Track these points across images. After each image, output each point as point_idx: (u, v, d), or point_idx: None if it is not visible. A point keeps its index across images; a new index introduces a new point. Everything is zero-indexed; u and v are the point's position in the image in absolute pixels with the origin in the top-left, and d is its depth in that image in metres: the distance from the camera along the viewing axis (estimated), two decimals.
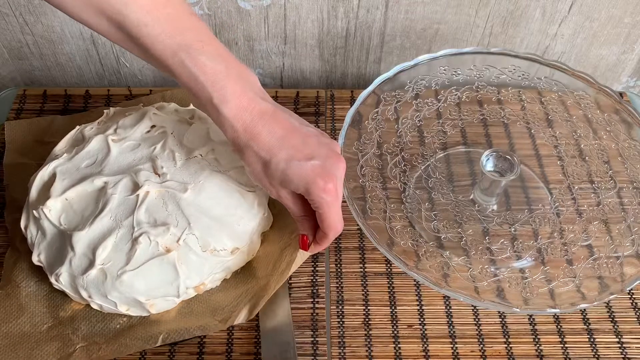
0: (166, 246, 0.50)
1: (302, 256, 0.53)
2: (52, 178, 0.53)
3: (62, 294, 0.53)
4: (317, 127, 0.68)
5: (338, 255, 0.58)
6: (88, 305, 0.52)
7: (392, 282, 0.56)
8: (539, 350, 0.52)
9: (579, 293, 0.51)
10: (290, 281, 0.56)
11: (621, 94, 0.70)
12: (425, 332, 0.53)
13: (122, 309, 0.51)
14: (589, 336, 0.53)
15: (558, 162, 0.63)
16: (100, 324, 0.52)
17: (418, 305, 0.55)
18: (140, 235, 0.49)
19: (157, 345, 0.50)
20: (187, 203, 0.51)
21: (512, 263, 0.55)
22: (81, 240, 0.49)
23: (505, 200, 0.61)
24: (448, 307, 0.55)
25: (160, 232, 0.49)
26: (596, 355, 0.52)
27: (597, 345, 0.52)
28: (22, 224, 0.53)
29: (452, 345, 0.52)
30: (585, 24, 0.70)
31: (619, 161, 0.61)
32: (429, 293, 0.55)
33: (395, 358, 0.51)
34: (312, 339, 0.52)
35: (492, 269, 0.54)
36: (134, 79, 0.78)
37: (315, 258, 0.57)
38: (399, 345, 0.52)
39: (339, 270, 0.57)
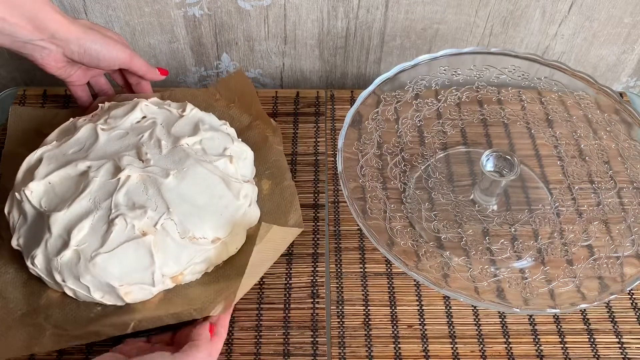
0: (143, 230, 0.49)
1: (275, 254, 0.53)
2: (38, 163, 0.53)
3: (40, 281, 0.52)
4: (317, 127, 0.68)
5: (338, 256, 0.58)
6: (64, 293, 0.51)
7: (392, 282, 0.56)
8: (539, 351, 0.52)
9: (579, 293, 0.51)
10: (290, 281, 0.56)
11: (621, 94, 0.70)
12: (425, 332, 0.53)
13: (96, 295, 0.50)
14: (589, 336, 0.53)
15: (558, 162, 0.63)
16: (74, 312, 0.51)
17: (418, 305, 0.55)
18: (117, 217, 0.49)
19: (127, 332, 0.48)
20: (168, 189, 0.51)
21: (512, 263, 0.55)
22: (58, 221, 0.49)
23: (505, 200, 0.61)
24: (448, 307, 0.55)
25: (138, 214, 0.49)
26: (596, 355, 0.52)
27: (597, 345, 0.52)
28: (6, 209, 0.53)
29: (452, 346, 0.52)
30: (585, 24, 0.70)
31: (619, 161, 0.61)
32: (429, 293, 0.55)
33: (395, 358, 0.51)
34: (312, 339, 0.52)
35: (492, 269, 0.54)
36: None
37: (315, 258, 0.57)
38: (399, 345, 0.52)
39: (339, 270, 0.57)
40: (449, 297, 0.55)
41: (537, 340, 0.53)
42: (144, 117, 0.57)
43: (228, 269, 0.54)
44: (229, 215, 0.53)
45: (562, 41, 0.73)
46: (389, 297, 0.55)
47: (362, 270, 0.57)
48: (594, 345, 0.52)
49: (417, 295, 0.55)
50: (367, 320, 0.54)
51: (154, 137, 0.55)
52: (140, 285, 0.50)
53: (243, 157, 0.59)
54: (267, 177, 0.61)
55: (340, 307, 0.54)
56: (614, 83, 0.79)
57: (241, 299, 0.54)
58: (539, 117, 0.65)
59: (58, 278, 0.50)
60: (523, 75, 0.64)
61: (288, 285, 0.56)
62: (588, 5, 0.68)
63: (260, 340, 0.52)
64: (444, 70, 0.64)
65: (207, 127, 0.58)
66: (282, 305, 0.54)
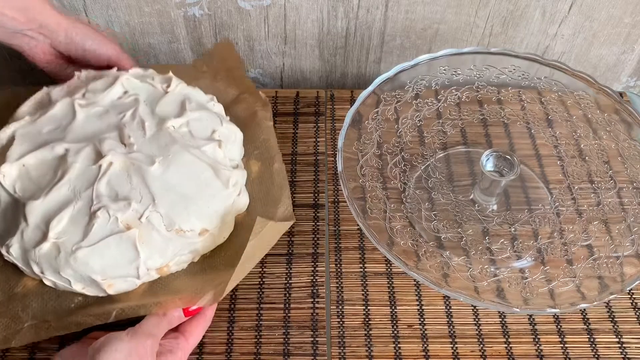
0: (127, 223, 0.46)
1: (272, 239, 0.51)
2: (11, 141, 0.50)
3: (16, 268, 0.49)
4: (317, 127, 0.68)
5: (338, 255, 0.58)
6: (42, 281, 0.49)
7: (392, 282, 0.56)
8: (539, 350, 0.52)
9: (579, 293, 0.51)
10: (290, 281, 0.56)
11: (621, 94, 0.70)
12: (425, 332, 0.53)
13: (77, 287, 0.47)
14: (589, 336, 0.53)
15: (558, 162, 0.63)
16: (53, 302, 0.48)
17: (418, 305, 0.55)
18: (99, 209, 0.46)
19: (109, 321, 0.46)
20: (153, 178, 0.48)
21: (512, 263, 0.55)
22: (35, 210, 0.46)
23: (505, 200, 0.61)
24: (448, 307, 0.55)
25: (121, 207, 0.46)
26: (596, 355, 0.52)
27: (597, 345, 0.52)
28: None
29: (452, 345, 0.52)
30: (585, 24, 0.70)
31: (619, 161, 0.61)
32: (429, 293, 0.55)
33: (395, 358, 0.51)
34: (312, 339, 0.52)
35: (492, 269, 0.54)
36: None
37: (315, 258, 0.57)
38: (399, 345, 0.52)
39: (339, 270, 0.57)
40: (449, 297, 0.55)
41: (537, 340, 0.53)
42: (125, 92, 0.53)
43: (216, 259, 0.52)
44: (217, 206, 0.51)
45: (562, 41, 0.73)
46: (389, 297, 0.55)
47: (362, 270, 0.57)
48: (594, 345, 0.52)
49: (417, 295, 0.55)
50: (367, 320, 0.54)
51: (137, 117, 0.51)
52: (124, 278, 0.48)
53: (232, 139, 0.56)
54: (255, 157, 0.58)
55: (340, 307, 0.54)
56: (614, 83, 0.79)
57: (241, 298, 0.54)
58: (539, 117, 0.65)
59: (36, 269, 0.47)
60: (523, 75, 0.64)
61: (288, 285, 0.56)
62: (588, 5, 0.68)
63: (260, 340, 0.52)
64: (444, 70, 0.64)
65: (194, 106, 0.54)
66: (282, 305, 0.54)
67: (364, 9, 0.70)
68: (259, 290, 0.55)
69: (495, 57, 0.63)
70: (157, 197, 0.48)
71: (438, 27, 0.72)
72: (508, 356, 0.52)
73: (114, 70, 0.57)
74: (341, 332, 0.53)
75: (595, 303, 0.50)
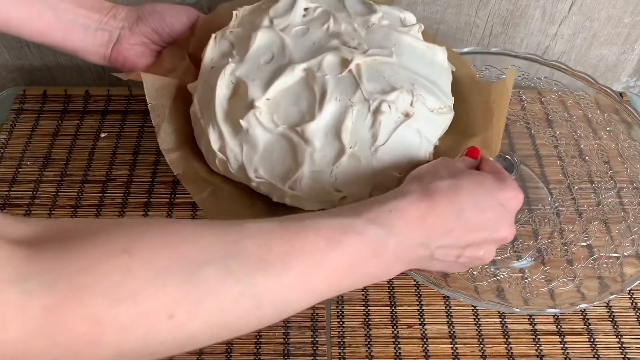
0: (404, 111, 0.47)
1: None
2: (237, 86, 0.49)
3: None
4: None
5: None
6: None
7: (392, 282, 0.56)
8: (539, 350, 0.52)
9: (579, 293, 0.51)
10: None
11: (621, 94, 0.70)
12: (425, 332, 0.53)
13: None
14: (589, 336, 0.53)
15: (558, 162, 0.63)
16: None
17: (418, 305, 0.55)
18: (380, 104, 0.46)
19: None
20: (398, 67, 0.49)
21: (512, 263, 0.55)
22: (317, 130, 0.46)
23: None
24: (448, 307, 0.55)
25: (394, 97, 0.46)
26: (596, 355, 0.52)
27: (597, 345, 0.52)
28: (216, 147, 0.49)
29: (452, 345, 0.52)
30: (585, 24, 0.70)
31: (619, 161, 0.61)
32: (429, 293, 0.55)
33: (395, 358, 0.51)
34: (312, 339, 0.52)
35: (492, 269, 0.54)
36: (134, 80, 0.78)
37: None
38: (399, 345, 0.52)
39: None
40: (449, 297, 0.55)
41: (537, 340, 0.53)
42: (305, 9, 0.53)
43: (454, 127, 0.53)
44: (444, 82, 0.52)
45: (562, 41, 0.73)
46: (389, 297, 0.55)
47: None
48: (594, 345, 0.52)
49: (417, 295, 0.55)
50: (367, 320, 0.54)
51: (341, 23, 0.51)
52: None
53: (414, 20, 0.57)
54: None
55: (340, 307, 0.54)
56: (614, 83, 0.79)
57: None
58: (539, 117, 0.65)
59: (331, 190, 0.47)
60: (523, 75, 0.64)
61: None
62: (588, 5, 0.68)
63: (260, 340, 0.52)
64: None
65: (371, 2, 0.55)
66: None
67: None
68: None
69: (495, 57, 0.63)
70: (411, 82, 0.48)
71: (438, 27, 0.72)
72: (508, 356, 0.52)
73: None
74: (341, 332, 0.53)
75: (595, 303, 0.50)
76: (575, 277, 0.53)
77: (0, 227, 0.29)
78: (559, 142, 0.64)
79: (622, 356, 0.52)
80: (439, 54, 0.53)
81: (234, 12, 0.55)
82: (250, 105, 0.47)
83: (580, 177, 0.62)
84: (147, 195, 0.61)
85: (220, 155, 0.50)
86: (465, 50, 0.63)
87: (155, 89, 0.53)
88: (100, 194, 0.61)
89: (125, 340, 0.29)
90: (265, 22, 0.52)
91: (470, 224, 0.40)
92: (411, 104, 0.47)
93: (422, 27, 0.55)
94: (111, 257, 0.30)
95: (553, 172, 0.63)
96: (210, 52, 0.53)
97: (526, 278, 0.53)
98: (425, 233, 0.39)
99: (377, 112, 0.46)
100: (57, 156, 0.64)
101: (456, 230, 0.40)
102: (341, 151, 0.46)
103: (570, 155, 0.63)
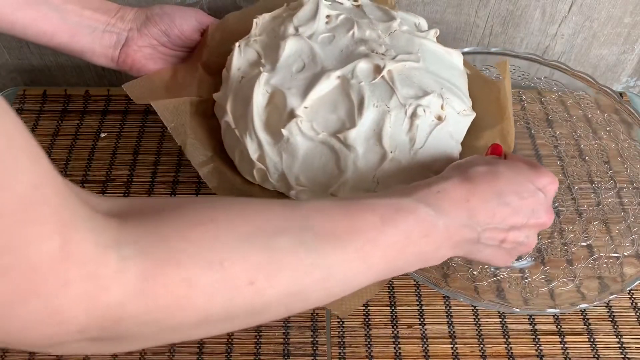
0: (437, 114, 0.48)
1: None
2: (273, 95, 0.49)
3: None
4: None
5: None
6: None
7: (392, 282, 0.56)
8: (539, 350, 0.52)
9: (578, 293, 0.51)
10: None
11: (621, 94, 0.70)
12: (425, 332, 0.53)
13: None
14: (589, 336, 0.53)
15: (558, 162, 0.63)
16: None
17: (418, 305, 0.55)
18: (416, 108, 0.47)
19: None
20: (425, 72, 0.50)
21: (512, 263, 0.55)
22: (359, 137, 0.47)
23: None
24: (448, 307, 0.55)
25: (428, 101, 0.48)
26: (596, 355, 0.52)
27: (597, 345, 0.52)
28: (255, 156, 0.49)
29: (452, 345, 0.52)
30: (585, 24, 0.70)
31: (619, 161, 0.61)
32: (429, 293, 0.55)
33: (395, 358, 0.51)
34: (312, 339, 0.52)
35: (492, 269, 0.54)
36: (134, 79, 0.78)
37: None
38: (399, 345, 0.52)
39: None
40: (448, 297, 0.55)
41: (537, 340, 0.53)
42: (327, 16, 0.54)
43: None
44: (462, 84, 0.53)
45: (562, 41, 0.73)
46: (389, 297, 0.55)
47: None
48: (594, 345, 0.52)
49: (417, 295, 0.55)
50: (367, 320, 0.54)
51: (365, 30, 0.52)
52: None
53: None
54: None
55: None
56: (614, 83, 0.79)
57: None
58: (539, 117, 0.65)
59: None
60: (523, 75, 0.64)
61: None
62: (588, 5, 0.68)
63: (260, 340, 0.52)
64: None
65: (388, 8, 0.56)
66: None
67: None
68: None
69: (495, 57, 0.63)
70: (442, 86, 0.49)
71: (438, 27, 0.72)
72: (508, 356, 0.52)
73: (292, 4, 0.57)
74: (341, 332, 0.53)
75: (595, 303, 0.50)
76: (575, 277, 0.53)
77: (90, 201, 0.30)
78: (559, 142, 0.64)
79: (622, 356, 0.52)
80: (456, 57, 0.54)
81: (255, 20, 0.55)
82: (291, 114, 0.48)
83: (580, 177, 0.62)
84: (147, 195, 0.61)
85: (259, 164, 0.50)
86: (466, 50, 0.63)
87: (169, 111, 0.54)
88: (101, 194, 0.61)
89: (211, 304, 0.31)
90: (291, 30, 0.52)
91: (510, 208, 0.41)
92: (441, 107, 0.48)
93: (438, 32, 0.56)
94: (199, 224, 0.31)
95: (553, 172, 0.62)
96: (237, 61, 0.53)
97: (526, 278, 0.53)
98: (470, 214, 0.40)
99: (413, 116, 0.47)
100: (57, 156, 0.64)
101: (498, 214, 0.41)
102: (383, 156, 0.47)
103: (570, 155, 0.63)
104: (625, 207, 0.58)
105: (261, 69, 0.51)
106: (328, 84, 0.48)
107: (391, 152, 0.47)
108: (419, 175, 0.48)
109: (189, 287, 0.30)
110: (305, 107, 0.48)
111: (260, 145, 0.49)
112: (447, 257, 0.41)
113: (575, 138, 0.64)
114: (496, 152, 0.48)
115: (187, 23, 0.58)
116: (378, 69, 0.49)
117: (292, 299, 0.34)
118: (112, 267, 0.28)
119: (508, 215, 0.41)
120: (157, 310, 0.29)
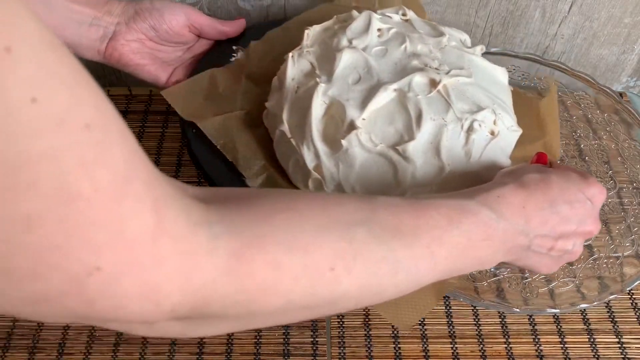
0: (490, 129, 0.49)
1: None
2: (330, 106, 0.50)
3: None
4: None
5: None
6: None
7: None
8: (539, 350, 0.52)
9: (578, 293, 0.51)
10: None
11: (621, 94, 0.70)
12: (425, 332, 0.53)
13: None
14: (589, 336, 0.53)
15: (558, 162, 0.63)
16: None
17: None
18: (472, 122, 0.48)
19: None
20: (477, 87, 0.50)
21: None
22: (417, 149, 0.47)
23: None
24: (448, 307, 0.55)
25: (482, 116, 0.48)
26: (596, 356, 0.52)
27: (597, 345, 0.52)
28: (311, 166, 0.49)
29: (452, 345, 0.52)
30: (585, 24, 0.70)
31: (619, 161, 0.61)
32: None
33: (395, 358, 0.51)
34: (312, 339, 0.52)
35: (492, 269, 0.54)
36: (134, 79, 0.78)
37: None
38: (399, 345, 0.52)
39: None
40: (448, 297, 0.55)
41: (537, 340, 0.53)
42: (379, 30, 0.54)
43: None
44: (510, 98, 0.54)
45: (562, 41, 0.73)
46: None
47: None
48: (594, 345, 0.52)
49: None
50: (367, 320, 0.54)
51: (417, 45, 0.52)
52: None
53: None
54: None
55: None
56: (614, 83, 0.79)
57: None
58: None
59: None
60: (523, 75, 0.64)
61: None
62: (588, 5, 0.68)
63: (260, 340, 0.52)
64: None
65: (435, 24, 0.57)
66: None
67: None
68: None
69: (495, 57, 0.63)
70: (494, 102, 0.50)
71: None
72: (508, 356, 0.52)
73: (352, 12, 0.56)
74: (341, 332, 0.53)
75: (595, 303, 0.50)
76: (575, 277, 0.53)
77: (179, 185, 0.30)
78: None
79: (622, 356, 0.52)
80: (501, 73, 0.55)
81: (306, 31, 0.55)
82: (352, 126, 0.48)
83: None
84: None
85: (315, 174, 0.50)
86: None
87: (215, 129, 0.55)
88: None
89: (294, 289, 0.31)
90: (344, 42, 0.53)
91: (561, 216, 0.42)
92: (494, 123, 0.49)
93: (484, 48, 0.57)
94: (281, 211, 0.32)
95: None
96: (291, 71, 0.53)
97: (526, 278, 0.53)
98: (526, 221, 0.41)
99: (470, 130, 0.48)
100: None
101: (550, 221, 0.42)
102: (441, 169, 0.48)
103: (570, 155, 0.63)
104: (625, 207, 0.58)
105: (317, 79, 0.51)
106: (385, 96, 0.49)
107: (448, 165, 0.48)
108: None
109: (275, 269, 0.30)
110: (363, 119, 0.48)
111: (317, 155, 0.49)
112: (499, 261, 0.41)
113: (575, 138, 0.64)
114: (541, 161, 0.49)
115: (176, 19, 0.58)
116: (434, 83, 0.49)
117: (365, 292, 0.34)
118: (204, 246, 0.28)
119: (558, 223, 0.42)
120: (244, 293, 0.29)
